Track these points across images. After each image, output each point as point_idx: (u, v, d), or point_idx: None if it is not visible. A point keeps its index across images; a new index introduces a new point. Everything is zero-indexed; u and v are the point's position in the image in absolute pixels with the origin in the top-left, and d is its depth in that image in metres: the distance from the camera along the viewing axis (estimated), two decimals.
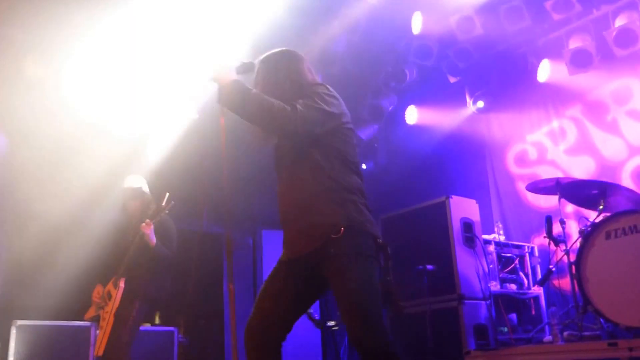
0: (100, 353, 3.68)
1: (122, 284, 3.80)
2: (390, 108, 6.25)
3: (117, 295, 3.78)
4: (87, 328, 4.39)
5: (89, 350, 4.32)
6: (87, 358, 4.31)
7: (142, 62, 4.72)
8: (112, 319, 3.69)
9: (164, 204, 3.85)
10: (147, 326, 4.84)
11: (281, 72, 2.41)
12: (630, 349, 3.09)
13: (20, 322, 4.26)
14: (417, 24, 5.31)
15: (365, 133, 6.32)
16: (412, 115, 6.21)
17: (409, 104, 6.25)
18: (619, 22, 4.67)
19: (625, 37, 4.59)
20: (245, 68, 2.45)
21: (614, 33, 4.62)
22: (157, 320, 5.48)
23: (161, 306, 3.88)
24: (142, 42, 4.59)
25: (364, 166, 6.69)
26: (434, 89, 6.15)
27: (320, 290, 2.35)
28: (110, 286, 3.90)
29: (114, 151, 4.87)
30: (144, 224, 3.76)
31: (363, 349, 2.08)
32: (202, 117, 4.96)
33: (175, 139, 5.32)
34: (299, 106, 2.22)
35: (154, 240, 3.79)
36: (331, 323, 4.27)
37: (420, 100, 6.23)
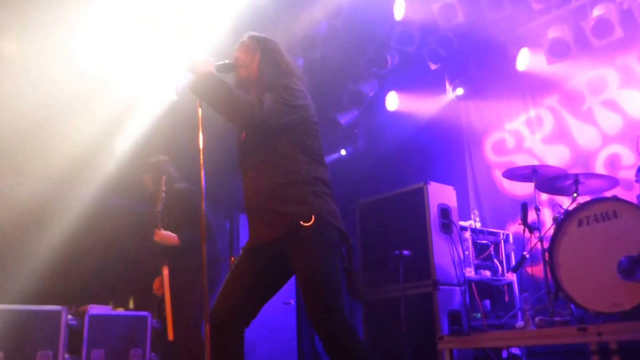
0: (171, 338, 3.78)
1: (165, 272, 3.86)
2: (371, 94, 6.23)
3: (165, 282, 3.86)
4: (58, 312, 4.30)
5: (60, 334, 4.25)
6: (58, 343, 4.23)
7: (122, 39, 4.62)
8: (168, 306, 3.76)
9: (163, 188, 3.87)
10: (120, 311, 4.81)
11: (266, 61, 2.52)
12: (599, 334, 3.14)
13: None
14: (399, 10, 5.29)
15: (345, 118, 6.29)
16: (393, 101, 6.21)
17: (390, 90, 6.24)
18: (596, 12, 4.72)
19: (601, 27, 4.63)
20: (225, 68, 2.52)
21: (591, 23, 4.67)
22: (130, 305, 5.42)
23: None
24: (123, 20, 4.49)
25: (343, 152, 6.68)
26: (415, 76, 6.15)
27: (283, 277, 2.40)
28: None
29: (91, 132, 4.78)
30: (154, 236, 3.79)
31: (322, 332, 2.15)
32: (181, 98, 4.90)
33: (154, 120, 5.24)
34: (265, 100, 2.30)
35: (173, 240, 3.81)
36: None
37: (401, 86, 6.23)
